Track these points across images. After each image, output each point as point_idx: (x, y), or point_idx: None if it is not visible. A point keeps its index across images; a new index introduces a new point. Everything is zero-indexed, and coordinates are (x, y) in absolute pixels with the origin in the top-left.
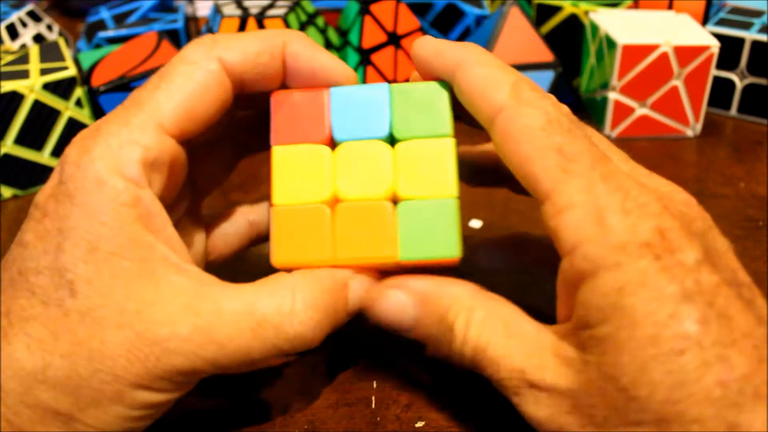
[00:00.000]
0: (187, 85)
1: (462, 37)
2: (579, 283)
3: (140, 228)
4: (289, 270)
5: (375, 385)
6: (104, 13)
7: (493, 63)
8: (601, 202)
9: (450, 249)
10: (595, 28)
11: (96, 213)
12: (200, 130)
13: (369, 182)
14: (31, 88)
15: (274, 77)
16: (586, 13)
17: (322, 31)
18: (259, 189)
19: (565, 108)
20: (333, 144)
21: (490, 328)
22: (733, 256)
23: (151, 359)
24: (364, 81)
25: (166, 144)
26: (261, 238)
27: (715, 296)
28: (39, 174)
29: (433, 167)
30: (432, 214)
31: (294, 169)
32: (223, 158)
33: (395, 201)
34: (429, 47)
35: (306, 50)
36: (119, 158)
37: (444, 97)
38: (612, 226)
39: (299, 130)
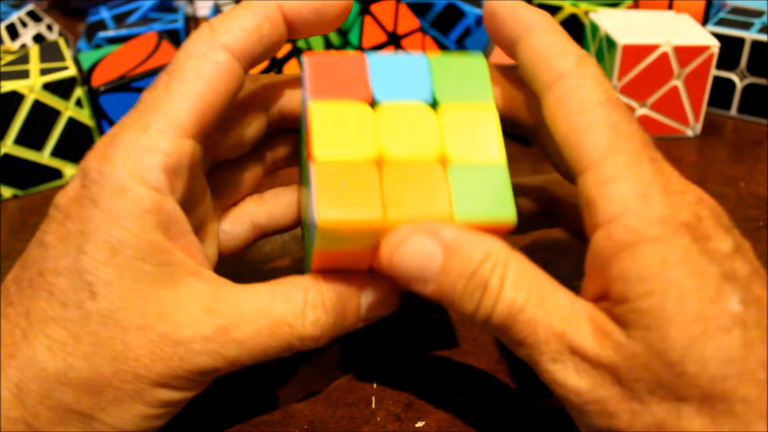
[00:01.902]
0: (199, 82)
1: (462, 37)
2: (615, 256)
3: (160, 234)
4: (333, 231)
5: (375, 385)
6: (104, 13)
7: (563, 33)
8: (646, 179)
9: (507, 212)
10: (595, 28)
11: (118, 218)
12: (217, 121)
13: (416, 142)
14: (31, 88)
15: (280, 40)
16: (586, 13)
17: None
18: None
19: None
20: (373, 106)
21: (526, 287)
22: (753, 255)
23: (175, 359)
24: None
25: (185, 147)
26: (263, 237)
27: (750, 284)
28: (39, 174)
29: (480, 135)
30: (485, 179)
31: (334, 125)
32: (251, 175)
33: (444, 165)
34: (505, 5)
35: (304, 4)
36: (140, 165)
37: (483, 69)
38: (655, 203)
39: (338, 87)
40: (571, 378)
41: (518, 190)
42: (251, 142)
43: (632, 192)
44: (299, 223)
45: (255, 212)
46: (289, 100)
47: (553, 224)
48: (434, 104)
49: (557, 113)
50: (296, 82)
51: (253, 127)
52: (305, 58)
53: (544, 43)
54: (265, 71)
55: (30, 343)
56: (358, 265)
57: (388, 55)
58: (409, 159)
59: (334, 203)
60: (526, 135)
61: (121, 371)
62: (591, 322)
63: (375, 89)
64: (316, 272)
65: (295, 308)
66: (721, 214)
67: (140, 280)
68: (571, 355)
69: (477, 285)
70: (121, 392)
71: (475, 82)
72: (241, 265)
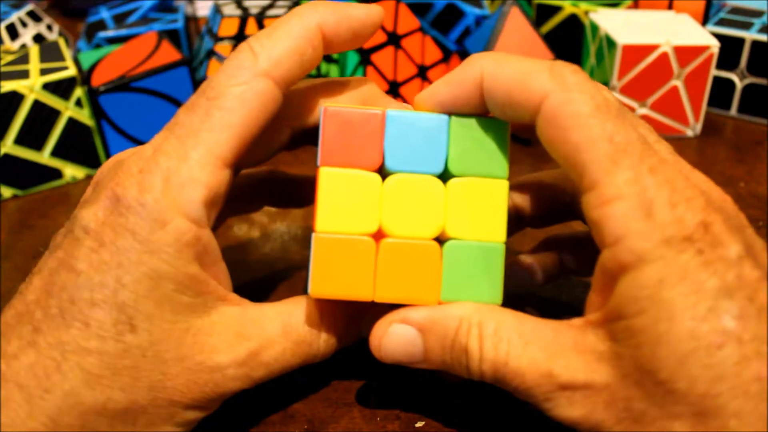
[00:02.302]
0: (241, 111)
1: (462, 37)
2: (619, 275)
3: (197, 266)
4: (325, 296)
5: (375, 385)
6: (104, 13)
7: (519, 57)
8: (649, 194)
9: (492, 295)
10: (595, 28)
11: (158, 251)
12: (253, 144)
13: (418, 220)
14: (31, 88)
15: (317, 61)
16: (586, 13)
17: None
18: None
19: (608, 91)
20: (383, 172)
21: (505, 339)
22: (766, 255)
23: (210, 385)
24: None
25: (224, 178)
26: (235, 213)
27: (756, 291)
28: (39, 174)
29: (485, 210)
30: (478, 258)
31: (341, 195)
32: (261, 196)
33: (442, 240)
34: (447, 83)
35: (340, 21)
36: (181, 198)
37: (504, 135)
38: (659, 219)
39: (350, 152)
40: (565, 411)
41: (537, 185)
42: (273, 152)
43: (634, 212)
44: (265, 205)
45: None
46: (311, 111)
47: (573, 217)
48: (446, 173)
49: (552, 135)
50: (317, 89)
51: (277, 138)
52: (322, 112)
53: (510, 73)
54: None
55: (65, 376)
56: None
57: (408, 114)
58: (408, 237)
59: (327, 277)
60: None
61: (157, 399)
62: (577, 350)
63: (388, 157)
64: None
65: (312, 329)
66: (732, 213)
67: (178, 312)
68: (562, 391)
69: (459, 353)
70: (155, 417)
71: (493, 150)
72: (242, 265)
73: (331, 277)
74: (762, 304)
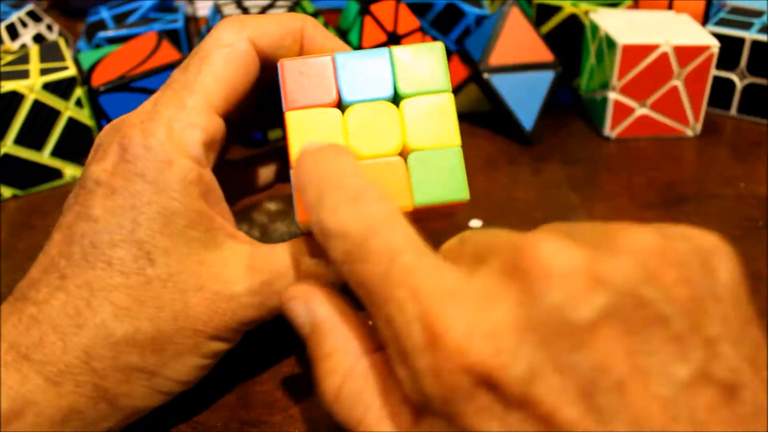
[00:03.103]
0: (228, 66)
1: (462, 37)
2: (416, 419)
3: (204, 203)
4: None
5: None
6: (104, 13)
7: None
8: (401, 338)
9: (459, 192)
10: (595, 28)
11: (167, 190)
12: (238, 105)
13: (380, 140)
14: (31, 88)
15: (294, 53)
16: (586, 13)
17: None
18: None
19: None
20: (341, 105)
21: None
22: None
23: (228, 313)
24: None
25: (219, 123)
26: (248, 193)
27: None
28: (39, 174)
29: (437, 120)
30: (439, 163)
31: (308, 131)
32: (264, 174)
33: (404, 154)
34: None
35: (319, 34)
36: (184, 140)
37: (440, 55)
38: (418, 373)
39: (309, 94)
40: None
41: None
42: (255, 124)
43: (396, 361)
44: (277, 182)
45: (240, 172)
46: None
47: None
48: (396, 97)
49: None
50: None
51: (251, 81)
52: (279, 65)
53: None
54: None
55: (96, 311)
56: None
57: (353, 53)
58: (374, 155)
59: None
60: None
61: (182, 329)
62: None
63: (343, 91)
64: None
65: (320, 260)
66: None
67: (191, 246)
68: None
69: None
70: (182, 347)
71: (432, 69)
72: None
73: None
74: None
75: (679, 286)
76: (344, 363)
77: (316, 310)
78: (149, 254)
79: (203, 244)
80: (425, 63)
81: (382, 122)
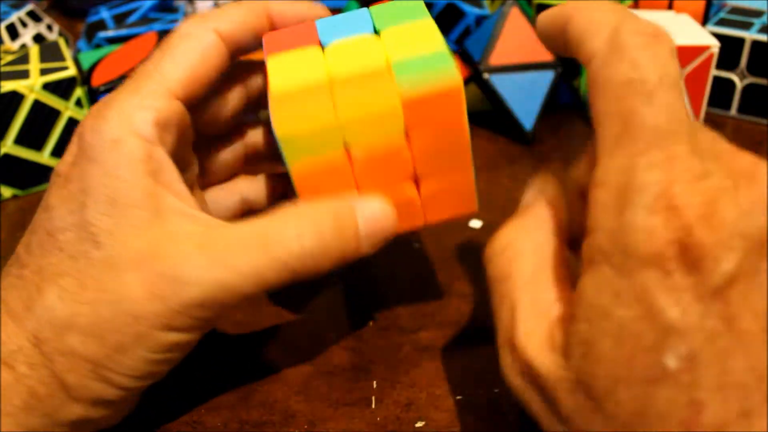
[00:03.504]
0: (189, 54)
1: (462, 37)
2: (584, 269)
3: (152, 181)
4: (293, 143)
5: (375, 385)
6: (104, 13)
7: (601, 6)
8: (632, 191)
9: (449, 73)
10: None
11: (113, 169)
12: (203, 92)
13: (362, 61)
14: (31, 88)
15: (264, 33)
16: None
17: None
18: None
19: (666, 62)
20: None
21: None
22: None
23: (170, 295)
24: None
25: (175, 106)
26: (250, 212)
27: (722, 333)
28: (39, 174)
29: (421, 36)
30: (428, 63)
31: (288, 67)
32: (234, 155)
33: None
34: (551, 13)
35: (287, 7)
36: (133, 120)
37: (419, 6)
38: (630, 226)
39: (290, 43)
40: (504, 363)
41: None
42: (232, 116)
43: (611, 208)
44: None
45: (246, 188)
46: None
47: None
48: (377, 34)
49: (590, 98)
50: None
51: (233, 102)
52: (264, 38)
53: (578, 25)
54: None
55: (43, 294)
56: (342, 184)
57: (334, 17)
58: (357, 73)
59: (289, 115)
60: None
61: (120, 313)
62: (548, 340)
63: (323, 37)
64: (307, 198)
65: (289, 230)
66: (750, 225)
67: (138, 226)
68: (509, 347)
69: None
70: (123, 336)
71: (413, 12)
72: None
73: (292, 115)
74: (722, 348)
75: None
76: (528, 230)
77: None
78: (95, 236)
79: (150, 224)
80: (405, 12)
81: (364, 49)
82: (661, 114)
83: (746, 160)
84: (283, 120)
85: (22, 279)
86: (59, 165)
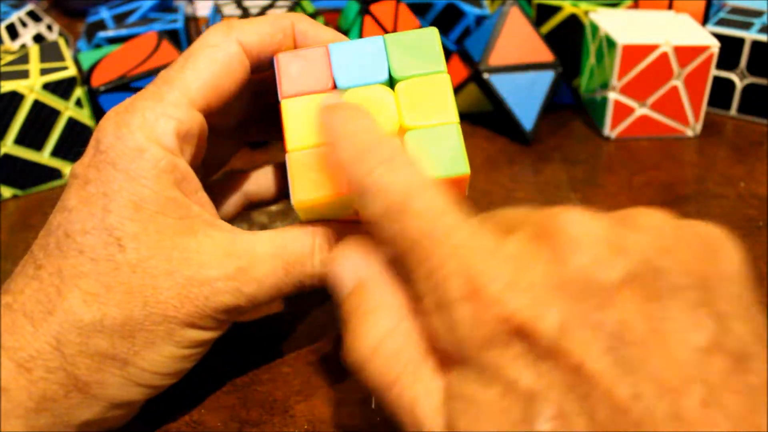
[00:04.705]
0: (212, 65)
1: (462, 37)
2: (446, 366)
3: (177, 191)
4: (309, 207)
5: None
6: (104, 13)
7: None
8: (442, 293)
9: (459, 166)
10: (595, 28)
11: (138, 177)
12: (224, 104)
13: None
14: (31, 88)
15: (288, 49)
16: (586, 13)
17: None
18: None
19: (412, 180)
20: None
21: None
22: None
23: (200, 299)
24: None
25: (196, 118)
26: (252, 205)
27: (576, 382)
28: (39, 174)
29: (434, 99)
30: (438, 139)
31: (304, 118)
32: (232, 144)
33: (401, 134)
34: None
35: (311, 28)
36: (156, 129)
37: (434, 39)
38: (456, 322)
39: (304, 82)
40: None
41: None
42: (236, 96)
43: (437, 315)
44: (282, 197)
45: (247, 181)
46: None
47: None
48: (392, 81)
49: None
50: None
51: (238, 82)
52: (275, 60)
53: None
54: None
55: (65, 297)
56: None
57: (347, 43)
58: None
59: (307, 184)
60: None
61: (152, 314)
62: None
63: (338, 78)
64: (322, 205)
65: (304, 249)
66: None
67: (163, 232)
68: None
69: None
70: (153, 334)
71: (427, 53)
72: None
73: (309, 183)
74: (583, 396)
75: (692, 264)
76: (387, 320)
77: (363, 267)
78: (119, 240)
79: (176, 231)
80: (419, 47)
81: (377, 104)
82: (424, 222)
83: (542, 214)
84: (301, 188)
85: (39, 280)
86: (77, 166)
